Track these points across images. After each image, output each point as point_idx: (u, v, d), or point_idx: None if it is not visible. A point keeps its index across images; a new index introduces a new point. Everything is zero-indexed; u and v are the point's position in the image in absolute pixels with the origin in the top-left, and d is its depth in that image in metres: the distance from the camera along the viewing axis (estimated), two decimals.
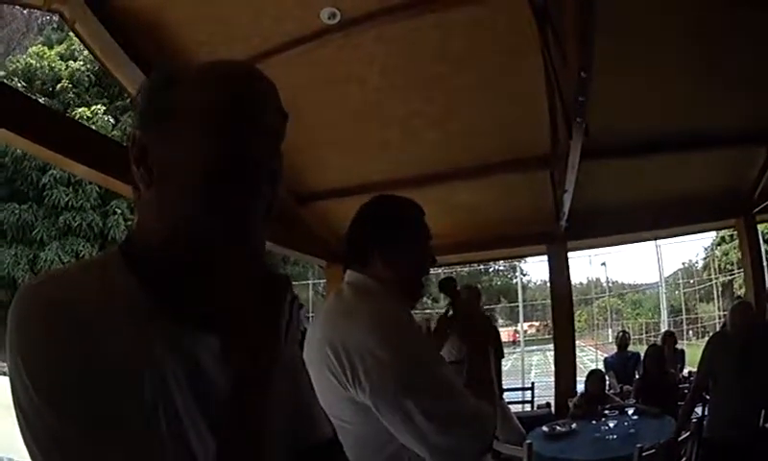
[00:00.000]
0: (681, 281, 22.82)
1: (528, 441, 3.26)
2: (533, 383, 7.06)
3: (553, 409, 5.72)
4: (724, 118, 4.18)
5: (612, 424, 3.93)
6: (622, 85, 3.52)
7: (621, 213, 5.37)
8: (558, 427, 4.12)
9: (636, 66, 3.44)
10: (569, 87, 2.86)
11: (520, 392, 6.94)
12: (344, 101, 3.80)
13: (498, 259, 14.27)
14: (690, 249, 37.08)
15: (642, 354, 5.78)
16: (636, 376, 5.43)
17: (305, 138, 3.65)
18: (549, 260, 5.83)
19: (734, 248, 16.67)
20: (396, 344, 1.33)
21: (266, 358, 0.70)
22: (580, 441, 3.90)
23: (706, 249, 23.37)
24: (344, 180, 4.62)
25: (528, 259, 17.68)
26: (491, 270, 27.92)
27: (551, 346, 6.75)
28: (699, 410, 4.25)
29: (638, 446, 2.98)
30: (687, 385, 5.15)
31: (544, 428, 4.11)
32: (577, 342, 6.32)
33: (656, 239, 12.73)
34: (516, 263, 20.68)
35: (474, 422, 1.37)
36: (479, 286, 11.90)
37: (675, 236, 8.52)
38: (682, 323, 20.09)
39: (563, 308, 5.77)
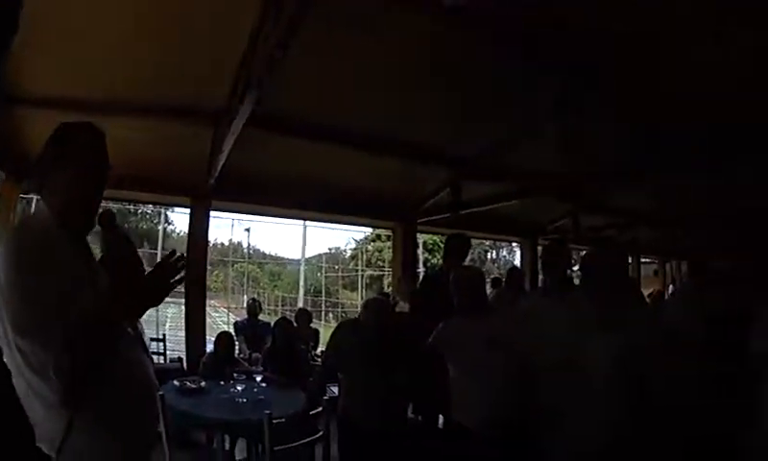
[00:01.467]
0: (324, 265, 24.69)
1: (160, 392, 2.92)
2: (164, 335, 6.95)
3: (185, 364, 5.56)
4: (406, 133, 4.59)
5: (240, 388, 3.96)
6: (311, 71, 3.56)
7: (273, 185, 5.45)
8: (188, 383, 4.02)
9: (334, 58, 3.51)
10: (262, 57, 2.93)
11: (154, 343, 6.61)
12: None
13: (145, 202, 13.35)
14: (340, 237, 40.84)
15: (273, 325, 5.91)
16: (267, 346, 5.48)
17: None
18: (192, 213, 5.69)
19: (389, 247, 19.14)
20: (14, 278, 1.40)
21: None
22: (212, 399, 3.87)
23: (357, 241, 25.83)
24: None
25: (176, 209, 17.00)
26: (139, 211, 26.06)
27: None
28: (336, 389, 4.44)
29: (267, 412, 3.00)
30: (319, 362, 5.40)
31: (176, 382, 4.02)
32: (212, 302, 6.35)
33: (305, 219, 13.24)
34: (163, 210, 19.71)
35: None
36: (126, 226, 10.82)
37: (331, 222, 9.21)
38: (321, 304, 21.70)
39: (198, 264, 5.67)
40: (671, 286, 11.99)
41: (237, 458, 4.08)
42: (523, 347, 3.25)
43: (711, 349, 3.04)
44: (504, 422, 3.24)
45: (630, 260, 10.92)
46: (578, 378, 2.81)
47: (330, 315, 21.04)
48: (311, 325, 7.21)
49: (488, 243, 24.59)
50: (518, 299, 4.21)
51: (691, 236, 9.43)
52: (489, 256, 28.21)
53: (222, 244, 25.02)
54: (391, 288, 7.62)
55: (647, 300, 7.51)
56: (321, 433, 3.42)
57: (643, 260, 13.65)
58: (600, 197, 6.67)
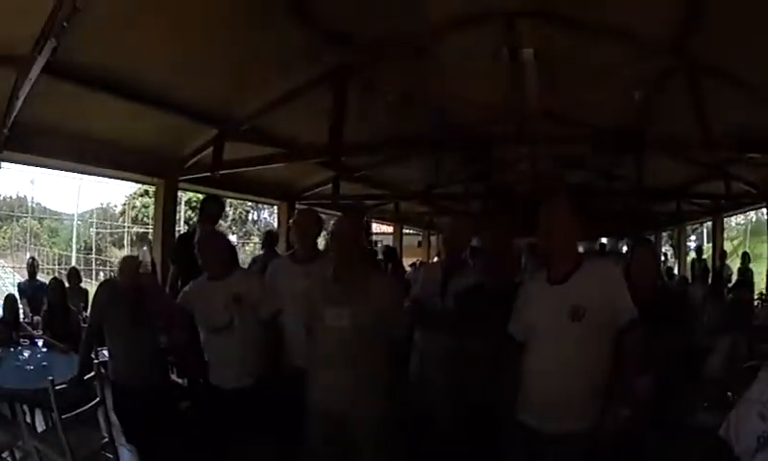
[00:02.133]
0: (95, 221, 23.12)
1: None
2: None
3: None
4: (178, 90, 4.56)
5: (26, 355, 3.93)
6: (103, 23, 3.49)
7: (57, 138, 4.97)
8: None
9: (125, 10, 3.47)
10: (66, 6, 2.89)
11: None
12: None
13: None
14: (113, 192, 37.53)
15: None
16: (44, 308, 5.21)
17: None
18: None
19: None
20: None
21: None
22: (6, 368, 3.81)
23: (127, 196, 24.13)
24: None
25: None
26: None
27: None
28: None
29: (50, 379, 3.05)
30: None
31: None
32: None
33: (82, 173, 12.21)
34: None
35: None
36: None
37: (106, 177, 8.61)
38: (92, 262, 20.44)
39: None
40: (436, 258, 13.62)
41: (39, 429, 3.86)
42: (267, 306, 3.57)
43: (457, 323, 3.46)
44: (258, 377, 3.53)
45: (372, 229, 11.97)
46: (315, 343, 3.13)
47: (102, 274, 19.45)
48: (81, 284, 6.98)
49: (249, 204, 24.71)
50: (272, 261, 4.39)
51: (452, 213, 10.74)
52: (250, 217, 28.39)
53: (9, 197, 22.38)
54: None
55: (408, 269, 8.50)
56: (97, 399, 3.44)
57: (407, 232, 14.71)
58: (363, 168, 7.27)
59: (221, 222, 6.38)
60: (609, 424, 2.56)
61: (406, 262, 12.03)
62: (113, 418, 3.72)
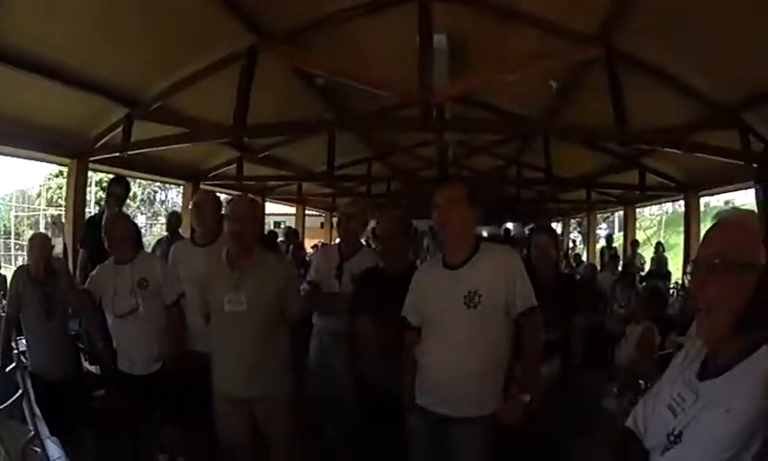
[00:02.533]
0: (14, 204, 22.20)
1: None
2: None
3: None
4: (99, 69, 4.44)
5: None
6: None
7: None
8: None
9: None
10: None
11: None
12: None
13: None
14: (31, 173, 35.70)
15: None
16: None
17: None
18: None
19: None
20: None
21: None
22: None
23: (44, 178, 23.25)
24: None
25: None
26: None
27: None
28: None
29: None
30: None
31: None
32: None
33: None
34: None
35: None
36: None
37: (17, 157, 8.16)
38: (11, 247, 19.85)
39: None
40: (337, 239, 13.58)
41: None
42: (169, 291, 3.58)
43: (353, 306, 3.45)
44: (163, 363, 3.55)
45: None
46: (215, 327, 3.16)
47: (21, 259, 18.46)
48: (0, 271, 6.57)
49: (157, 184, 24.21)
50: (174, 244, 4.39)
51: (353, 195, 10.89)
52: (158, 198, 27.96)
53: None
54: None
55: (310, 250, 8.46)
56: (20, 391, 3.35)
57: (310, 213, 14.63)
58: (267, 149, 7.27)
59: (129, 202, 6.26)
60: (510, 409, 2.60)
61: (309, 244, 12.05)
62: (37, 410, 3.55)
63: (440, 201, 2.64)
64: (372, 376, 3.36)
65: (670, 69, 4.48)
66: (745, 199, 11.67)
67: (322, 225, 16.83)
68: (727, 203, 15.84)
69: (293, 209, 13.63)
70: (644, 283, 8.74)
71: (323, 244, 9.60)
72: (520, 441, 3.03)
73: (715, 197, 13.27)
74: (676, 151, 5.20)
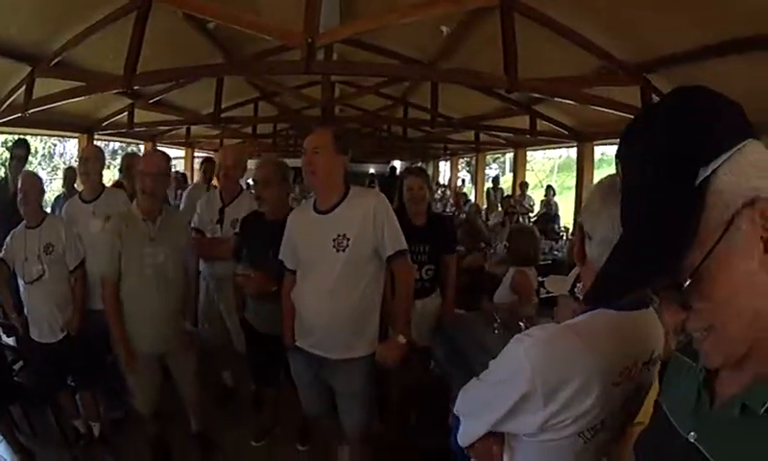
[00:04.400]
0: None
1: None
2: None
3: None
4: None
5: None
6: None
7: None
8: None
9: None
10: None
11: None
12: None
13: None
14: None
15: None
16: None
17: None
18: None
19: None
20: None
21: None
22: None
23: None
24: None
25: None
26: None
27: None
28: None
29: None
30: None
31: None
32: None
33: None
34: None
35: None
36: None
37: None
38: None
39: None
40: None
41: None
42: (72, 255, 3.58)
43: (236, 250, 3.63)
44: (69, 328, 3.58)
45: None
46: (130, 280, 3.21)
47: None
48: None
49: (54, 139, 22.82)
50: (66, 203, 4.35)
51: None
52: (57, 150, 26.56)
53: None
54: None
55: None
56: None
57: (199, 155, 13.94)
58: (157, 95, 7.09)
59: (30, 159, 6.00)
60: (386, 351, 2.73)
61: None
62: None
63: (307, 147, 2.68)
64: (254, 320, 3.48)
65: (568, 23, 4.48)
66: None
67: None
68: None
69: (182, 153, 13.17)
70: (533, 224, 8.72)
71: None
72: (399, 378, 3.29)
73: (612, 147, 13.56)
74: (570, 102, 5.33)
